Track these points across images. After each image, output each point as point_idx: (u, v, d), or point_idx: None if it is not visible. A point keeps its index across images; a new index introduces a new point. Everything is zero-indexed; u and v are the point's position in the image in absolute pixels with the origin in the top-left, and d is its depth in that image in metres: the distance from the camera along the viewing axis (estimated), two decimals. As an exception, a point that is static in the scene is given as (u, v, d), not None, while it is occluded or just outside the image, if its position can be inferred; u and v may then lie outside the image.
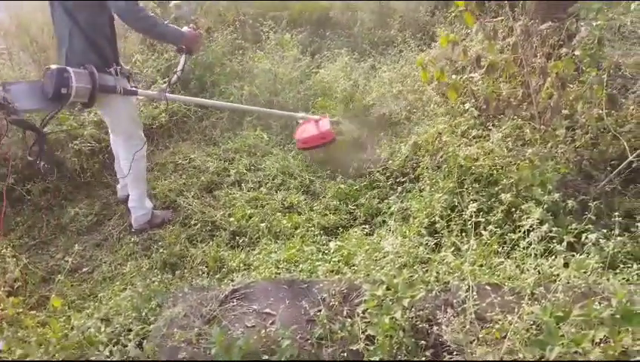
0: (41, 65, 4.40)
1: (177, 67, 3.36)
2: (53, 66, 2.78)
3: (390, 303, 1.88)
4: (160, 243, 3.21)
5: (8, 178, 3.44)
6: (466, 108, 3.53)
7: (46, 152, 2.97)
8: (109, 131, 3.46)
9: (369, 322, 1.94)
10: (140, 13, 2.89)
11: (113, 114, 3.17)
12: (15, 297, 2.28)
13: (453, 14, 3.63)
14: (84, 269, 3.10)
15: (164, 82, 3.50)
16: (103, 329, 2.08)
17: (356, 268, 2.33)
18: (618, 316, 1.56)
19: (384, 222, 3.18)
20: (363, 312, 1.98)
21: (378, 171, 3.70)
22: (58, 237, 3.42)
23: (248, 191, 3.70)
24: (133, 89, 3.15)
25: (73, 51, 2.90)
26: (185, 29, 3.14)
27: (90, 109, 3.59)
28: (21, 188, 3.65)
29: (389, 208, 3.28)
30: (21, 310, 2.24)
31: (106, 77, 2.96)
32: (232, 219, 3.36)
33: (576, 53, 2.87)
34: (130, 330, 2.14)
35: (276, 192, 3.68)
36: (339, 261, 2.67)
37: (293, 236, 3.16)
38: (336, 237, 3.11)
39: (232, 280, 2.53)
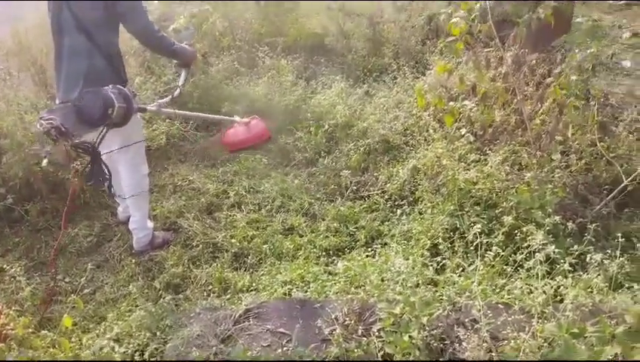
0: (40, 86, 4.41)
1: (179, 82, 3.55)
2: (91, 89, 2.76)
3: (407, 322, 1.92)
4: (162, 265, 3.21)
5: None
6: (462, 133, 3.64)
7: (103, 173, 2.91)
8: (109, 153, 3.43)
9: (385, 341, 1.97)
10: (158, 34, 3.02)
11: (126, 132, 3.10)
12: (25, 317, 2.26)
13: (442, 45, 3.76)
14: (86, 291, 3.06)
15: (165, 95, 3.63)
16: (116, 349, 2.08)
17: (366, 287, 2.36)
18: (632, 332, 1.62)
19: (385, 244, 3.23)
20: (378, 331, 2.02)
21: (377, 194, 3.78)
22: (57, 258, 3.38)
23: (248, 213, 3.73)
24: (143, 106, 3.21)
25: (93, 71, 2.89)
26: (184, 45, 3.35)
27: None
28: (20, 209, 3.62)
29: (390, 230, 3.35)
30: (31, 330, 2.22)
31: None
32: (233, 240, 3.38)
33: (573, 78, 3.00)
34: (143, 350, 2.13)
35: (276, 214, 3.71)
36: (345, 281, 2.71)
37: (296, 257, 3.19)
38: (339, 259, 3.14)
39: (241, 301, 2.55)
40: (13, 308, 2.32)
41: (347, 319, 2.11)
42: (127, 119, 2.87)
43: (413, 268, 2.52)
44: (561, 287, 2.14)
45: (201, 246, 3.36)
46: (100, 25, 2.88)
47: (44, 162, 3.06)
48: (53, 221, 3.68)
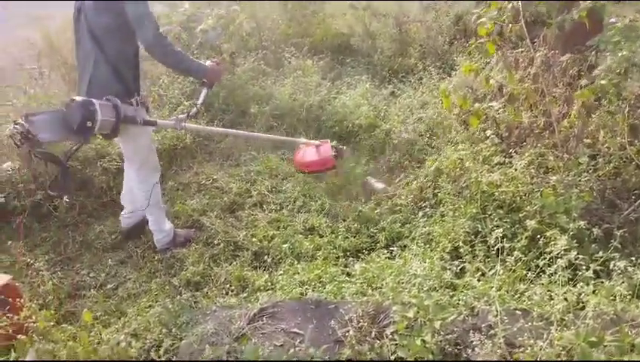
0: (70, 85, 4.52)
1: (198, 100, 3.31)
2: (79, 98, 2.68)
3: (421, 325, 1.89)
4: (183, 262, 3.25)
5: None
6: (487, 135, 3.57)
7: (69, 186, 2.92)
8: (124, 159, 3.46)
9: (398, 344, 1.95)
10: (168, 47, 2.90)
11: (131, 143, 3.16)
12: (47, 310, 2.32)
13: (473, 46, 3.69)
14: (109, 286, 3.13)
15: (184, 113, 3.43)
16: (133, 344, 2.11)
17: (382, 290, 2.34)
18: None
19: (406, 246, 3.20)
20: (392, 334, 2.00)
21: (399, 196, 3.74)
22: (83, 253, 3.47)
23: (270, 212, 3.75)
24: (153, 120, 3.12)
25: (97, 80, 2.87)
26: (208, 62, 3.18)
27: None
28: (48, 205, 3.72)
29: (411, 232, 3.31)
30: (52, 323, 2.28)
31: (127, 107, 2.91)
32: (254, 239, 3.40)
33: (602, 82, 2.90)
34: (159, 346, 2.16)
35: (297, 214, 3.72)
36: (362, 283, 2.69)
37: (315, 258, 3.18)
38: (358, 260, 3.13)
39: (257, 300, 2.56)
40: (35, 301, 2.38)
41: (361, 321, 2.09)
42: (116, 132, 2.83)
43: (430, 271, 2.49)
44: (583, 294, 2.08)
45: (222, 244, 3.38)
46: (109, 32, 2.86)
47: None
48: (80, 217, 3.78)
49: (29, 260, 2.77)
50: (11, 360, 2.12)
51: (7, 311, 2.24)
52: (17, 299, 2.31)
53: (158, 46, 2.86)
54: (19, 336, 2.16)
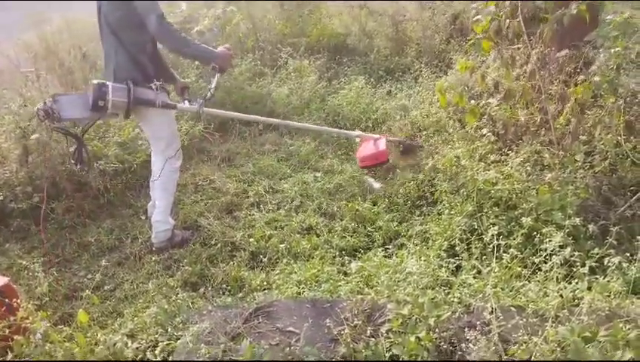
0: (66, 87, 4.52)
1: (211, 85, 3.49)
2: (95, 81, 3.02)
3: (415, 323, 1.90)
4: (181, 263, 3.25)
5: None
6: (483, 133, 3.58)
7: (86, 158, 3.30)
8: (151, 146, 3.57)
9: (393, 342, 1.95)
10: (175, 33, 3.13)
11: (153, 125, 3.35)
12: (43, 311, 2.32)
13: (470, 42, 3.69)
14: (107, 287, 3.14)
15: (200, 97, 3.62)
16: (129, 345, 2.11)
17: (378, 288, 2.35)
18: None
19: (402, 244, 3.21)
20: (387, 332, 2.00)
21: (396, 194, 3.75)
22: (81, 255, 3.47)
23: (267, 212, 3.75)
24: (172, 103, 3.32)
25: (119, 67, 3.14)
26: (219, 48, 3.33)
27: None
28: (46, 207, 3.72)
29: (408, 231, 3.32)
30: (48, 324, 2.28)
31: (147, 91, 3.14)
32: (251, 239, 3.40)
33: (596, 79, 2.90)
34: (155, 346, 2.16)
35: (295, 214, 3.72)
36: (359, 282, 2.70)
37: (312, 257, 3.19)
38: (355, 259, 3.13)
39: (254, 299, 2.56)
40: (32, 303, 2.38)
41: (356, 319, 2.09)
42: (128, 112, 3.11)
43: (426, 268, 2.49)
44: (578, 291, 2.08)
45: (219, 244, 3.39)
46: (124, 25, 3.11)
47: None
48: (78, 219, 3.78)
49: (25, 263, 2.77)
50: (8, 360, 2.12)
51: (4, 312, 2.24)
52: (14, 300, 2.31)
53: (165, 32, 3.09)
54: (16, 337, 2.16)
